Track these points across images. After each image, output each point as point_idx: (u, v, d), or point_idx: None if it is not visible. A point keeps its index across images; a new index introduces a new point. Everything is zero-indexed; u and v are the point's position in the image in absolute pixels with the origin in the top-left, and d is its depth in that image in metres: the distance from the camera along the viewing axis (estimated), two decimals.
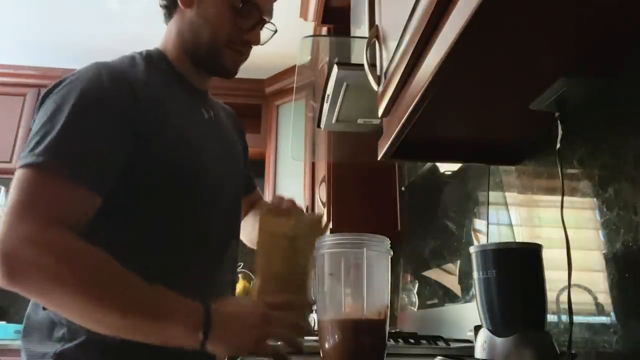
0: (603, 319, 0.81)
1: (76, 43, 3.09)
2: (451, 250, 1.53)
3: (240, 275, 2.91)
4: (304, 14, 2.53)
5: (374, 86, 0.95)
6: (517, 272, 0.75)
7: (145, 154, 0.88)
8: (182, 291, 0.78)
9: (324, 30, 2.39)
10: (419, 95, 0.74)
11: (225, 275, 1.01)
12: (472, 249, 0.78)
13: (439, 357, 0.74)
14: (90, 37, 3.03)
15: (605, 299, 0.81)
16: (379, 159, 0.99)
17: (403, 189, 2.12)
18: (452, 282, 1.50)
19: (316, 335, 0.81)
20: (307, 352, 0.96)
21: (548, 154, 0.96)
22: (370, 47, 0.97)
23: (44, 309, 0.87)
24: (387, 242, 0.78)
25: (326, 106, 1.53)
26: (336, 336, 0.74)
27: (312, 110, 2.05)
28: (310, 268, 0.86)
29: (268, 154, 3.25)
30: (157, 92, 0.94)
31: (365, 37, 1.02)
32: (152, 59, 1.01)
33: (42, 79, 3.22)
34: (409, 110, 0.78)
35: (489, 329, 0.75)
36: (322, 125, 1.68)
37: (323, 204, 2.17)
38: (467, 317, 1.26)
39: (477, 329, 0.79)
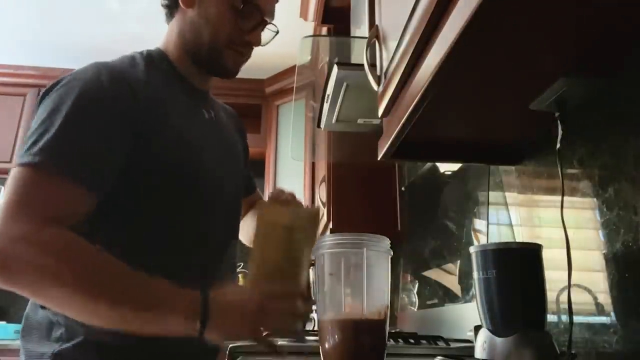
0: (603, 319, 0.81)
1: (76, 43, 3.09)
2: (451, 250, 1.53)
3: (240, 275, 2.91)
4: (304, 14, 2.53)
5: (374, 86, 0.95)
6: (517, 272, 0.75)
7: (145, 154, 0.88)
8: None
9: (324, 30, 2.39)
10: (419, 95, 0.74)
11: (224, 275, 1.01)
12: (472, 249, 0.78)
13: (439, 357, 0.74)
14: (90, 37, 3.03)
15: (605, 299, 0.81)
16: (379, 159, 0.99)
17: (403, 189, 2.12)
18: (452, 282, 1.50)
19: (316, 335, 0.81)
20: (307, 352, 0.96)
21: (548, 154, 0.96)
22: (370, 47, 0.97)
23: (43, 308, 0.87)
24: (387, 242, 0.79)
25: (326, 106, 1.53)
26: (336, 336, 0.74)
27: (312, 110, 2.05)
28: (306, 261, 0.87)
29: (268, 154, 3.25)
30: (157, 92, 0.94)
31: (365, 37, 1.02)
32: (153, 58, 1.01)
33: (42, 79, 3.22)
34: (409, 110, 0.78)
35: (489, 329, 0.75)
36: (322, 125, 1.68)
37: (323, 204, 2.17)
38: (467, 317, 1.26)
39: (477, 329, 0.79)
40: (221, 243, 1.00)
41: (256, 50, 1.07)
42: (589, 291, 0.84)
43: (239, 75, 1.06)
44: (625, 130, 0.77)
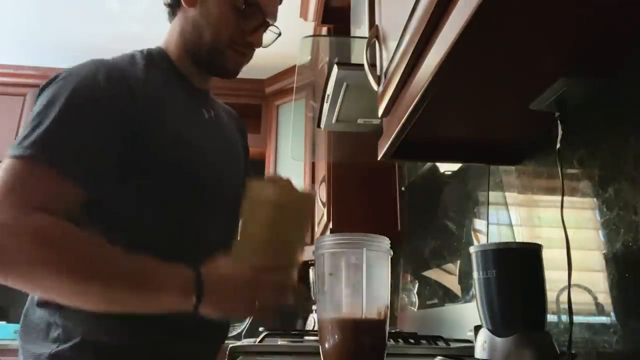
0: (603, 319, 0.81)
1: (76, 43, 3.09)
2: (451, 250, 1.53)
3: None
4: (304, 14, 2.53)
5: (374, 86, 0.95)
6: (517, 272, 0.75)
7: (143, 152, 0.88)
8: None
9: (324, 30, 2.39)
10: (419, 95, 0.74)
11: None
12: (472, 249, 0.78)
13: (439, 357, 0.74)
14: (90, 37, 3.03)
15: (605, 299, 0.81)
16: (379, 159, 0.99)
17: (403, 189, 2.12)
18: (452, 282, 1.50)
19: (316, 335, 0.81)
20: (307, 352, 0.96)
21: (548, 154, 0.96)
22: (370, 47, 0.97)
23: (40, 307, 0.87)
24: (387, 242, 0.78)
25: (326, 106, 1.53)
26: (336, 336, 0.74)
27: (312, 110, 2.05)
28: (297, 242, 0.87)
29: (268, 154, 3.25)
30: (156, 91, 0.94)
31: (365, 37, 1.02)
32: (153, 57, 1.01)
33: (42, 79, 3.18)
34: (409, 110, 0.78)
35: (489, 329, 0.75)
36: (322, 125, 1.68)
37: (323, 204, 2.17)
38: (467, 317, 1.26)
39: (477, 329, 0.79)
40: (221, 243, 1.00)
41: (256, 51, 1.07)
42: (589, 291, 0.84)
43: (239, 75, 1.06)
44: (625, 130, 0.77)
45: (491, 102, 0.88)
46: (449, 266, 1.53)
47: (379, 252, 0.77)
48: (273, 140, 3.27)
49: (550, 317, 0.88)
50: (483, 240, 1.28)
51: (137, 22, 2.87)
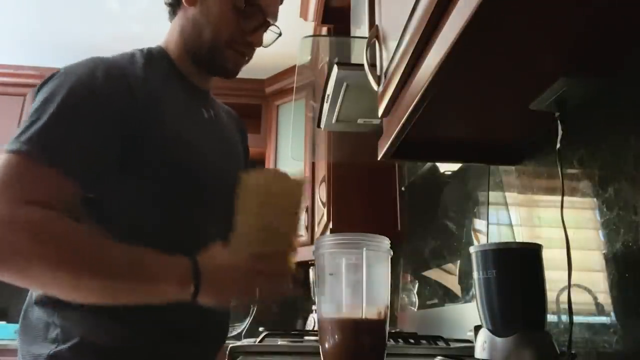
0: (603, 319, 0.81)
1: (76, 43, 3.09)
2: (451, 250, 1.53)
3: None
4: (304, 14, 2.53)
5: (374, 86, 0.95)
6: (517, 272, 0.75)
7: (142, 151, 0.88)
8: None
9: (324, 30, 2.39)
10: (419, 95, 0.74)
11: None
12: (472, 249, 0.78)
13: (439, 357, 0.74)
14: (90, 37, 3.03)
15: (605, 299, 0.81)
16: (379, 159, 0.99)
17: (403, 189, 2.12)
18: (452, 282, 1.50)
19: (316, 335, 0.81)
20: (307, 352, 0.96)
21: (548, 154, 0.96)
22: (370, 47, 0.97)
23: (38, 307, 0.87)
24: (387, 242, 0.78)
25: (326, 106, 1.53)
26: (336, 336, 0.74)
27: (312, 110, 2.05)
28: (290, 228, 0.87)
29: (268, 154, 3.25)
30: (156, 89, 0.94)
31: (365, 37, 1.02)
32: (153, 56, 1.01)
33: (42, 79, 3.20)
34: (409, 110, 0.78)
35: (489, 329, 0.75)
36: (322, 125, 1.68)
37: (323, 204, 2.17)
38: (467, 317, 1.26)
39: (477, 329, 0.79)
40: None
41: (256, 51, 1.07)
42: (589, 291, 0.84)
43: (239, 75, 1.06)
44: (625, 130, 0.77)
45: (491, 102, 0.88)
46: (449, 266, 1.53)
47: (378, 252, 0.77)
48: (273, 140, 3.27)
49: (550, 317, 0.88)
50: (483, 240, 1.28)
51: (137, 22, 2.87)
